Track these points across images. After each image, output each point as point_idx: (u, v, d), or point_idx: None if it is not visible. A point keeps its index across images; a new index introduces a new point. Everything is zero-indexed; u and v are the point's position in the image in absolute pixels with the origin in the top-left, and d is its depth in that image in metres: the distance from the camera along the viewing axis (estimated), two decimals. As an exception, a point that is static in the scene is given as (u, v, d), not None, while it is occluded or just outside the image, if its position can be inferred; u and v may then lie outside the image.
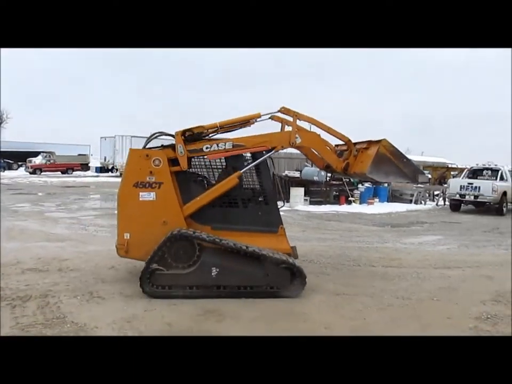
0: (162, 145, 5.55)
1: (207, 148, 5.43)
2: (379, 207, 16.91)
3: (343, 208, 16.43)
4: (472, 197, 16.27)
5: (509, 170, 17.43)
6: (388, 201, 18.80)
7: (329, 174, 16.39)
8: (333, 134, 5.94)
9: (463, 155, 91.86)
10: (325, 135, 5.93)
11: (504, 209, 16.22)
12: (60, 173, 37.76)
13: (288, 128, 5.76)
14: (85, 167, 40.86)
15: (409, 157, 6.31)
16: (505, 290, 5.95)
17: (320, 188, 17.79)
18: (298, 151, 6.48)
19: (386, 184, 18.60)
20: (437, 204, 19.78)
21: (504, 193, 16.07)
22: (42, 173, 36.31)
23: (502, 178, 16.58)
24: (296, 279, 5.26)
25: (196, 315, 4.65)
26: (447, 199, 18.73)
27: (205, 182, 5.79)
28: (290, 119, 5.75)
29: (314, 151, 6.14)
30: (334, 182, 17.97)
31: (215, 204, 5.49)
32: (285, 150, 6.07)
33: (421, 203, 19.39)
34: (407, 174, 5.89)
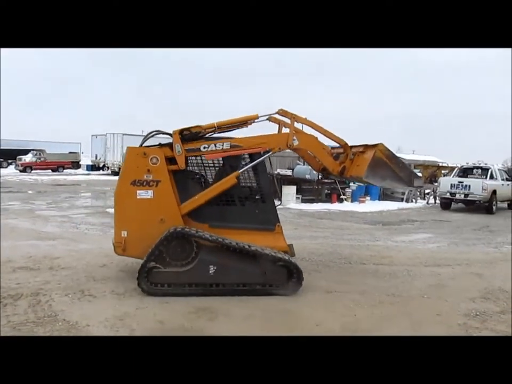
0: (160, 144, 5.56)
1: (204, 147, 5.45)
2: (370, 205, 16.99)
3: (335, 206, 16.49)
4: (462, 196, 16.42)
5: (498, 169, 17.63)
6: (379, 200, 18.90)
7: (321, 172, 16.41)
8: (330, 137, 5.99)
9: (455, 154, 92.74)
10: (321, 138, 5.98)
11: (494, 207, 16.38)
12: (50, 171, 37.46)
13: (285, 130, 5.79)
14: (75, 165, 40.59)
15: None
16: (494, 287, 6.03)
17: (312, 186, 17.84)
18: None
19: (377, 183, 18.63)
20: (427, 202, 19.94)
21: (494, 192, 16.24)
22: (32, 171, 35.97)
23: (492, 177, 16.75)
24: (294, 277, 5.30)
25: (188, 313, 4.66)
26: (437, 198, 18.88)
27: (202, 180, 5.80)
28: (288, 121, 5.78)
29: (311, 153, 6.18)
30: (325, 180, 17.99)
31: (212, 202, 5.51)
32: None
33: (412, 201, 19.54)
34: (403, 178, 5.95)
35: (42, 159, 37.59)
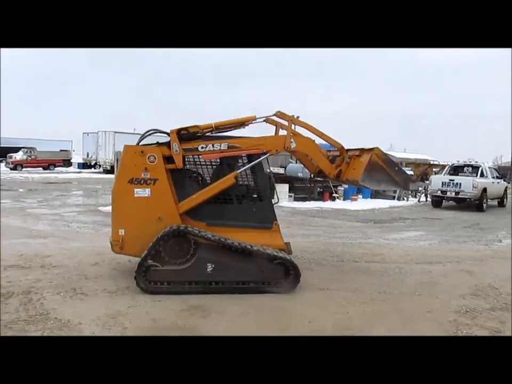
0: (157, 142, 5.54)
1: (202, 147, 5.45)
2: (362, 204, 17.08)
3: (327, 204, 16.55)
4: (453, 193, 16.53)
5: (489, 167, 17.78)
6: (371, 198, 18.97)
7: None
8: (327, 140, 6.01)
9: (455, 154, 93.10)
10: (318, 141, 6.00)
11: (484, 205, 16.53)
12: (41, 168, 37.11)
13: (282, 132, 5.80)
14: (67, 163, 40.30)
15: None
16: (484, 285, 6.09)
17: (304, 184, 17.88)
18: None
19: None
20: (419, 200, 20.06)
21: (484, 190, 16.38)
22: (23, 169, 35.66)
23: (482, 175, 16.89)
24: (291, 275, 5.32)
25: (181, 310, 4.66)
26: (428, 196, 19.01)
27: (199, 178, 5.80)
28: (285, 123, 5.79)
29: (308, 156, 6.19)
30: (318, 179, 18.06)
31: (209, 200, 5.50)
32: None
33: (403, 199, 19.66)
34: (398, 182, 6.00)
35: (33, 157, 37.27)
